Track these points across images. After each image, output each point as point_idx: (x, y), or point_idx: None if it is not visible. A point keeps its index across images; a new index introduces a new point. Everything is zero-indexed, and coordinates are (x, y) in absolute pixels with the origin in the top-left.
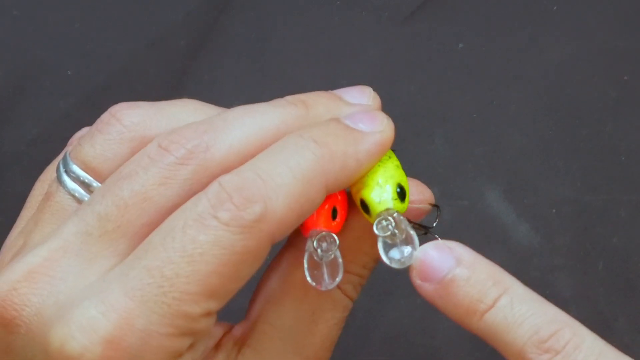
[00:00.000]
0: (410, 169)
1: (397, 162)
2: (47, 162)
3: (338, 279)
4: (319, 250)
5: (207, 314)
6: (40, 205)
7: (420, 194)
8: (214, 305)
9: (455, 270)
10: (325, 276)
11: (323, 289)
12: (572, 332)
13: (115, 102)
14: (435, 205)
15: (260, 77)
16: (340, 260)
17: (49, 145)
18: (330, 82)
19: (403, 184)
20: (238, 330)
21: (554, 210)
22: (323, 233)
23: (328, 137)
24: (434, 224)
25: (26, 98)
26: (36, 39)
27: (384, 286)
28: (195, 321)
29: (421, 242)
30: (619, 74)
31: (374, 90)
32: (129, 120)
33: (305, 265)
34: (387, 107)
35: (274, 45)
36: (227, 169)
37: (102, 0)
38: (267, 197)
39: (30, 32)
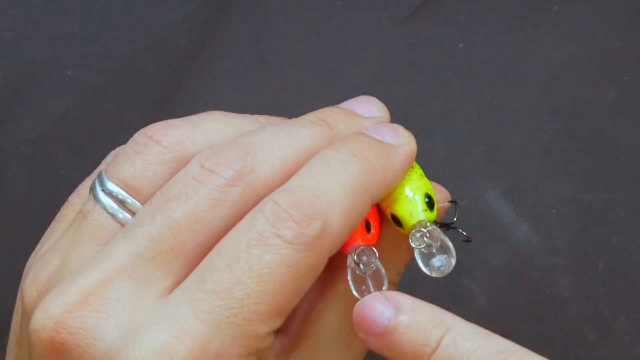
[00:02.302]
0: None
1: (420, 171)
2: (47, 162)
3: (384, 289)
4: (360, 265)
5: (272, 332)
6: (75, 224)
7: (440, 194)
8: (278, 323)
9: (395, 319)
10: (371, 288)
11: None
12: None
13: (115, 102)
14: (453, 201)
15: (260, 77)
16: (382, 270)
17: (49, 145)
18: (330, 82)
19: (430, 192)
20: (277, 345)
21: (554, 210)
22: (362, 247)
23: (365, 151)
24: (454, 219)
25: (26, 98)
26: (36, 39)
27: None
28: (263, 340)
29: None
30: (619, 74)
31: (374, 90)
32: (168, 141)
33: (350, 283)
34: (388, 107)
35: (274, 45)
36: (271, 189)
37: (102, 0)
38: (324, 213)
39: (30, 32)
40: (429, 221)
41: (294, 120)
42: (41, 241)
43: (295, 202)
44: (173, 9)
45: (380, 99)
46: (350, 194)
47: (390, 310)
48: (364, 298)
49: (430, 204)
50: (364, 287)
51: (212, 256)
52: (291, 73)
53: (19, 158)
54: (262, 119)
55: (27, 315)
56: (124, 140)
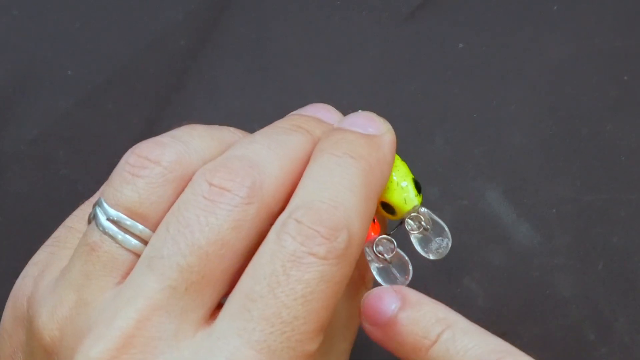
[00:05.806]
0: (410, 169)
1: (398, 156)
2: (47, 162)
3: (410, 272)
4: (384, 255)
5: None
6: (84, 257)
7: None
8: (322, 338)
9: (400, 311)
10: (398, 275)
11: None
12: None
13: (116, 102)
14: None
15: (260, 77)
16: (402, 253)
17: (49, 145)
18: (331, 82)
19: (414, 177)
20: None
21: (554, 210)
22: (377, 238)
23: (358, 149)
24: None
25: (26, 98)
26: (36, 39)
27: None
28: (312, 357)
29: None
30: (619, 74)
31: (374, 90)
32: (166, 160)
33: (378, 277)
34: (388, 107)
35: (274, 45)
36: (279, 203)
37: (102, 0)
38: (346, 223)
39: (30, 32)
40: (421, 205)
41: (272, 129)
42: (33, 259)
43: (318, 218)
44: (173, 9)
45: (380, 99)
46: (360, 197)
47: (396, 302)
48: (373, 289)
49: (418, 188)
50: (391, 276)
51: (248, 282)
52: (291, 73)
53: (19, 158)
54: (232, 129)
55: (48, 355)
56: (124, 140)
